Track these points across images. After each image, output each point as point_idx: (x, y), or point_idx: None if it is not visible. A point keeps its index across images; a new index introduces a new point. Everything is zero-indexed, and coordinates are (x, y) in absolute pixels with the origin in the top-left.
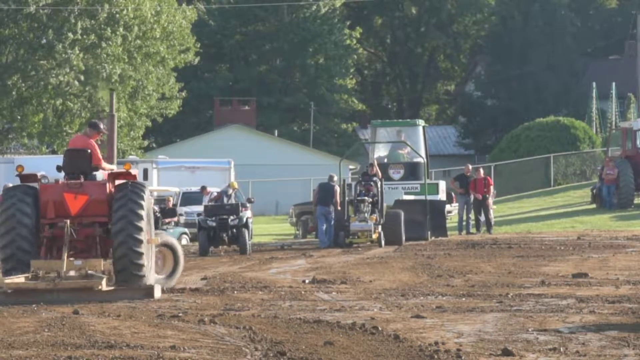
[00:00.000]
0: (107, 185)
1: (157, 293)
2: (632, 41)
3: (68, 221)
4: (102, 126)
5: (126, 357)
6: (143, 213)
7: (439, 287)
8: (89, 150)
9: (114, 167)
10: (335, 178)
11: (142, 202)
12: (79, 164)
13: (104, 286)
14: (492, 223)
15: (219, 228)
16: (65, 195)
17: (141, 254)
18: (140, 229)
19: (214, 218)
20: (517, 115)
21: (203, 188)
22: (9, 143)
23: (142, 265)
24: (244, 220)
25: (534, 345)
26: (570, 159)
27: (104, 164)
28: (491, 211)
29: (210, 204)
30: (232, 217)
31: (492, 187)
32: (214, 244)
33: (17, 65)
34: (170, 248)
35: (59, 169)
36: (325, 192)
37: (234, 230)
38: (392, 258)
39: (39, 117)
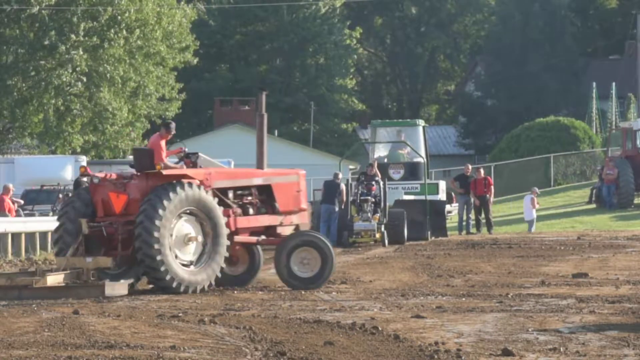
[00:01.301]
0: (147, 184)
1: (111, 291)
2: (632, 41)
3: (84, 220)
4: (172, 127)
5: (126, 357)
6: (162, 211)
7: (439, 287)
8: (153, 150)
9: (176, 167)
10: (341, 176)
11: (166, 201)
12: (142, 163)
13: (47, 283)
14: (492, 223)
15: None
16: (110, 195)
17: (153, 246)
18: (154, 223)
19: None
20: (517, 115)
21: None
22: (10, 143)
23: (154, 258)
24: None
25: (534, 345)
26: (570, 159)
27: (165, 164)
28: (491, 211)
29: None
30: None
31: (492, 187)
32: None
33: (18, 65)
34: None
35: (132, 166)
36: (330, 190)
37: None
38: (392, 258)
39: (40, 117)
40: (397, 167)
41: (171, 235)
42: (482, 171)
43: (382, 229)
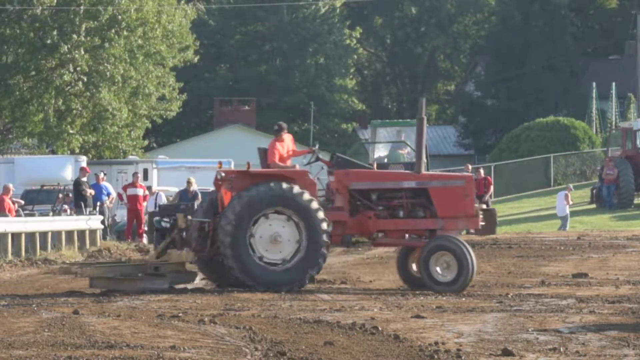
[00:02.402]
0: (243, 184)
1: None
2: (632, 41)
3: (182, 214)
4: (282, 126)
5: (126, 357)
6: (240, 210)
7: None
8: (267, 150)
9: (287, 167)
10: None
11: (245, 201)
12: (261, 163)
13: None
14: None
15: (172, 230)
16: (223, 191)
17: (227, 245)
18: (229, 223)
19: (167, 219)
20: (517, 115)
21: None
22: (10, 143)
23: (228, 257)
24: None
25: (534, 345)
26: (570, 159)
27: (275, 163)
28: None
29: (165, 203)
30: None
31: (491, 187)
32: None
33: (18, 65)
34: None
35: None
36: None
37: None
38: (392, 258)
39: (40, 117)
40: (397, 167)
41: (252, 234)
42: (482, 171)
43: None
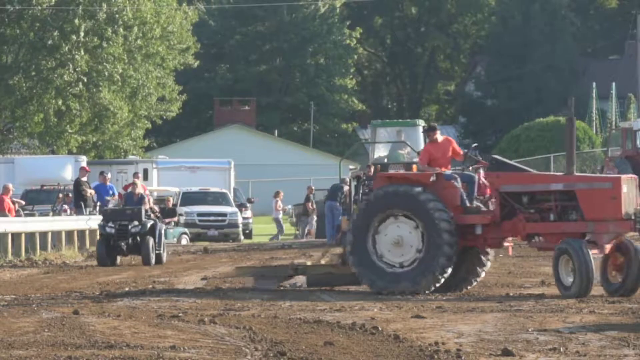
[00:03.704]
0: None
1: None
2: (632, 41)
3: (344, 217)
4: (431, 126)
5: (126, 357)
6: (362, 211)
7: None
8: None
9: (429, 169)
10: (347, 181)
11: (366, 203)
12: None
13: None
14: None
15: (117, 235)
16: None
17: (349, 237)
18: (356, 216)
19: (112, 224)
20: (517, 115)
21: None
22: (10, 143)
23: (349, 250)
24: (147, 227)
25: (534, 345)
26: None
27: (423, 166)
28: None
29: (110, 207)
30: (133, 224)
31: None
32: (114, 253)
33: (18, 65)
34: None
35: None
36: (334, 189)
37: (136, 238)
38: None
39: (40, 117)
40: (397, 167)
41: (377, 232)
42: (482, 171)
43: None
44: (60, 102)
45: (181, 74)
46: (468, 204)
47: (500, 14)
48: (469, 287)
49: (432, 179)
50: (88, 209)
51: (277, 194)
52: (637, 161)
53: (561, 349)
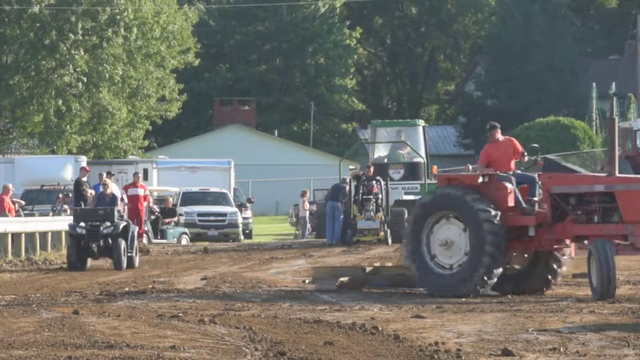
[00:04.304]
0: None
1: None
2: (632, 41)
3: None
4: (491, 125)
5: (126, 357)
6: (415, 213)
7: None
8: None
9: (484, 171)
10: (348, 181)
11: (418, 205)
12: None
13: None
14: None
15: (88, 237)
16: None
17: (405, 247)
18: (407, 224)
19: (83, 224)
20: (517, 115)
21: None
22: (10, 143)
23: (404, 250)
24: (120, 228)
25: (534, 345)
26: (570, 159)
27: (481, 167)
28: None
29: (81, 207)
30: (105, 225)
31: None
32: (85, 255)
33: (18, 65)
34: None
35: None
36: (336, 189)
37: (108, 240)
38: (392, 258)
39: (40, 117)
40: (397, 167)
41: (432, 232)
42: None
43: (385, 227)
44: (60, 102)
45: (181, 74)
46: (524, 205)
47: (500, 14)
48: (547, 288)
49: (480, 180)
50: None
51: (304, 194)
52: (637, 161)
53: (561, 349)
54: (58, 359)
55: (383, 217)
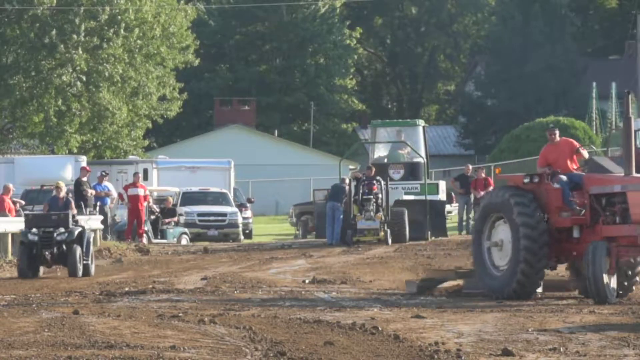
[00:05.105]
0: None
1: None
2: (632, 41)
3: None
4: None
5: (126, 357)
6: (475, 215)
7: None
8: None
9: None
10: (347, 181)
11: (477, 207)
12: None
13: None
14: None
15: (41, 243)
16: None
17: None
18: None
19: (35, 231)
20: (517, 116)
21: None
22: (10, 143)
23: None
24: (75, 234)
25: (534, 345)
26: None
27: (540, 168)
28: None
29: (33, 212)
30: (59, 231)
31: (491, 188)
32: (37, 263)
33: (18, 65)
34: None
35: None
36: (336, 190)
37: (62, 246)
38: (392, 258)
39: (40, 117)
40: (397, 167)
41: (490, 234)
42: (482, 171)
43: (385, 227)
44: (60, 102)
45: (182, 74)
46: (574, 206)
47: (500, 14)
48: (625, 293)
49: (526, 180)
50: (88, 209)
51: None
52: (638, 161)
53: (561, 349)
54: (58, 359)
55: (383, 217)
